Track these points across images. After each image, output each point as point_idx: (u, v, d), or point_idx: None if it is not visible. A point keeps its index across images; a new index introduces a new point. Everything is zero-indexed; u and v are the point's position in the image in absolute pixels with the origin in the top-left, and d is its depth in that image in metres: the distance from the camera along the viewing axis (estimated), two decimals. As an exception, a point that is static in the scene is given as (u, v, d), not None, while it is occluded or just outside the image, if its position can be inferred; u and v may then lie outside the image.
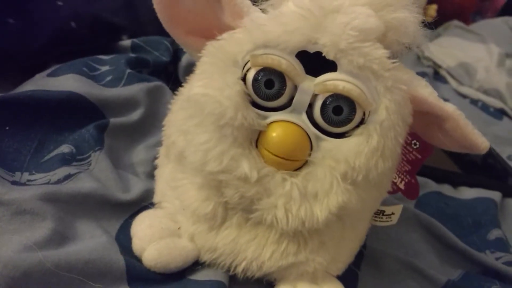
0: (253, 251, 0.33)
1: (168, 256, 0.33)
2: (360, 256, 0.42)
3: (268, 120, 0.31)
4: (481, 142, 0.33)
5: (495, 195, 0.57)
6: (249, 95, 0.30)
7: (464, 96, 0.89)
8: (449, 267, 0.45)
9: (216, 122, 0.30)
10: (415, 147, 0.42)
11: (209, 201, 0.33)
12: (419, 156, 0.42)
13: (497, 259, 0.48)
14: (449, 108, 0.32)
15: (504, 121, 0.85)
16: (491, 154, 0.70)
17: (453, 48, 0.97)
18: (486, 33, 1.00)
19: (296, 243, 0.33)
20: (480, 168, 0.68)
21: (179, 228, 0.35)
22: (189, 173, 0.34)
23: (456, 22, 1.07)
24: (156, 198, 0.39)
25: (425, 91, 0.32)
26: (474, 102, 0.88)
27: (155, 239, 0.34)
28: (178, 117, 0.34)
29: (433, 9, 0.97)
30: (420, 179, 0.55)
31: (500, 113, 0.86)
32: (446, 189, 0.58)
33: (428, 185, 0.57)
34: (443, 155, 0.66)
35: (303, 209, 0.30)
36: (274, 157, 0.30)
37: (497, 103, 0.88)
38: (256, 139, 0.31)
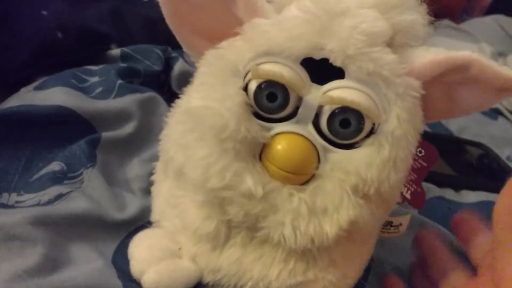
0: (259, 270, 0.31)
1: (169, 278, 0.31)
2: (368, 269, 0.40)
3: (273, 132, 0.29)
4: None
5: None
6: (251, 105, 0.29)
7: (458, 96, 0.88)
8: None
9: (217, 135, 0.28)
10: (420, 154, 0.40)
11: (211, 219, 0.31)
12: (425, 164, 0.40)
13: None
14: (465, 52, 0.29)
15: (499, 121, 0.84)
16: (486, 154, 0.69)
17: (444, 48, 0.96)
18: (477, 32, 1.00)
19: (305, 261, 0.31)
20: (475, 169, 0.67)
21: (179, 248, 0.33)
22: (189, 190, 0.32)
23: (446, 22, 1.06)
24: (154, 217, 0.36)
25: (430, 52, 0.30)
26: (468, 102, 0.87)
27: (154, 261, 0.32)
28: (176, 131, 0.32)
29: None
30: (423, 184, 0.54)
31: (495, 113, 0.85)
32: (449, 194, 0.56)
33: (430, 190, 0.55)
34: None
35: (312, 225, 0.28)
36: (280, 171, 0.28)
37: (492, 103, 0.87)
38: (260, 152, 0.29)
